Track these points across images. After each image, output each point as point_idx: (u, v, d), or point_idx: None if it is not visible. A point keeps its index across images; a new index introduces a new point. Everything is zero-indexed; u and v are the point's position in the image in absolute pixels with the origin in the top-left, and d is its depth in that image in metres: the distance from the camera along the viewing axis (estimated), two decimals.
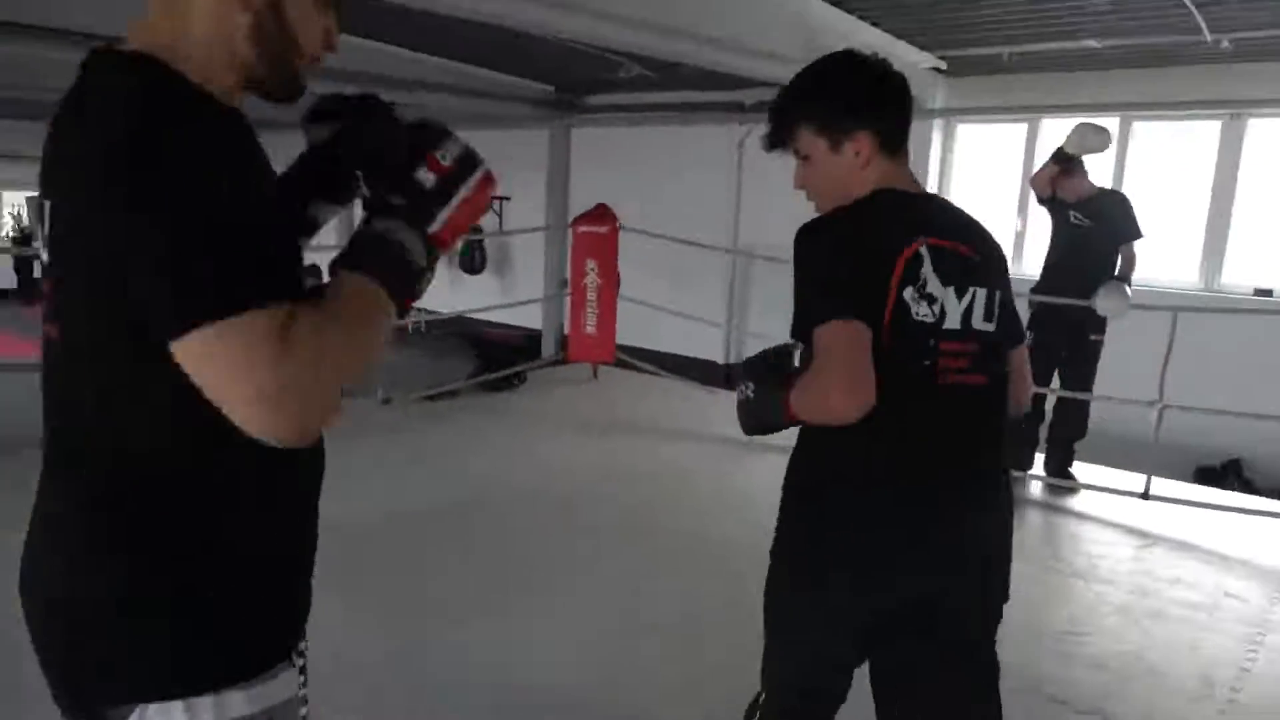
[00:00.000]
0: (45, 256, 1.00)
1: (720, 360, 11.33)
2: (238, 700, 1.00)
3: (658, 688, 2.73)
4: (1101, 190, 4.51)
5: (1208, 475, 7.32)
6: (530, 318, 13.12)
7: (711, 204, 10.78)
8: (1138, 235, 4.45)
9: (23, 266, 17.51)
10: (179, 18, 1.00)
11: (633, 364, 6.57)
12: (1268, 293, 7.77)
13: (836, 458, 1.53)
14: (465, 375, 6.41)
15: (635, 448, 5.08)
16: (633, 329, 7.08)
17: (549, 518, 4.03)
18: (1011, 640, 3.05)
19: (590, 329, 6.15)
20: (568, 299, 6.47)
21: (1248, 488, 7.31)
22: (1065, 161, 4.46)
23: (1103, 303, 4.25)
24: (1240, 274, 7.99)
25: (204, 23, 1.00)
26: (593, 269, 6.06)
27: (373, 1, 6.91)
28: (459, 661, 2.84)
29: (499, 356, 7.14)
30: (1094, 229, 4.45)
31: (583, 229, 6.11)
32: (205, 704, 0.98)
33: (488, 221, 13.57)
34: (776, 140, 1.65)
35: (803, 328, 1.47)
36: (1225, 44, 6.94)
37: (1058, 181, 4.47)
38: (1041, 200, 4.73)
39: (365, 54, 9.28)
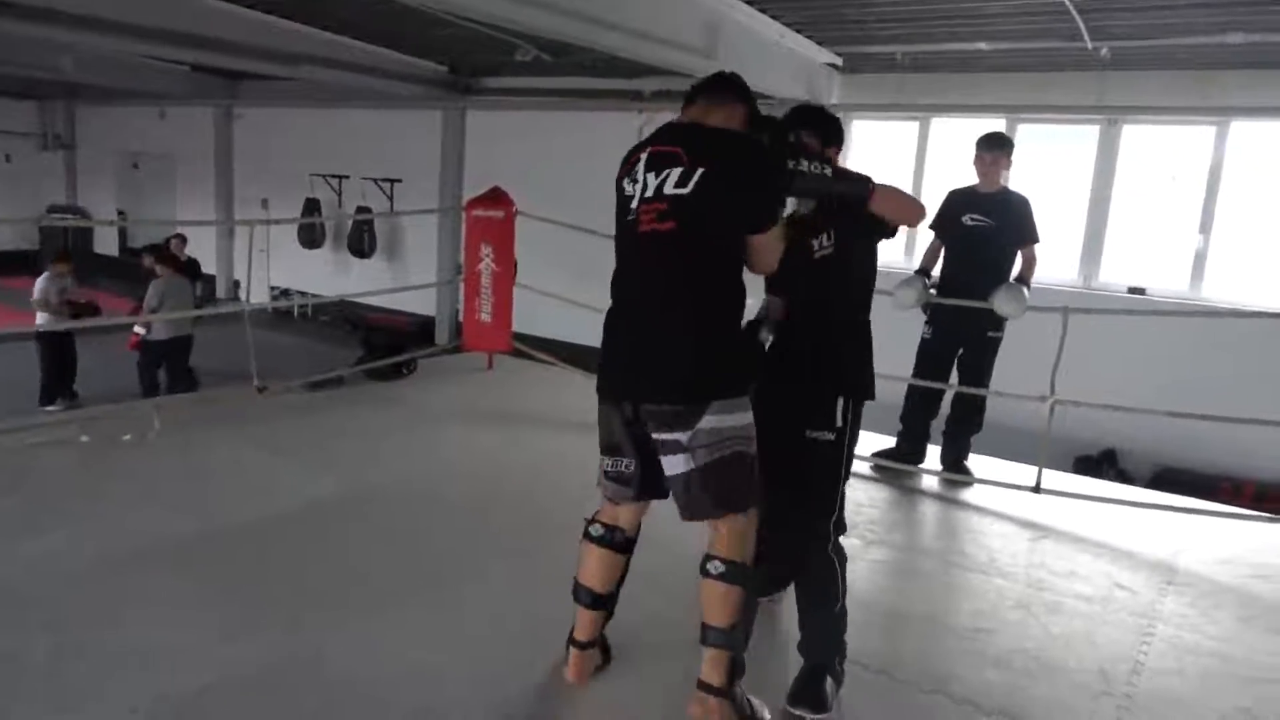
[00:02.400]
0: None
1: None
2: None
3: (554, 690, 2.57)
4: (1005, 189, 4.55)
5: (1086, 464, 7.65)
6: (424, 304, 12.71)
7: (610, 191, 10.61)
8: (1036, 239, 4.52)
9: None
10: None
11: (530, 353, 6.36)
12: (1140, 291, 8.17)
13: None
14: (350, 363, 6.06)
15: (528, 440, 4.89)
16: (531, 317, 6.86)
17: (434, 514, 3.82)
18: (921, 639, 3.06)
19: (485, 317, 5.91)
20: (463, 285, 6.20)
21: (1122, 476, 7.68)
22: (993, 148, 4.49)
23: (1001, 305, 4.31)
24: (1115, 273, 8.38)
25: None
26: (488, 255, 5.81)
27: None
28: (337, 669, 2.62)
29: (388, 343, 6.79)
30: (993, 229, 4.50)
31: (477, 213, 5.85)
32: None
33: (378, 202, 13.07)
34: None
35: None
36: (1105, 52, 7.22)
37: (982, 166, 4.49)
38: (932, 227, 4.75)
39: (249, 25, 8.72)
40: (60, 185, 18.42)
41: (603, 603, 2.56)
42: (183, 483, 4.05)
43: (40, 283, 8.94)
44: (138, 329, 8.53)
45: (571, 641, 2.58)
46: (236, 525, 3.59)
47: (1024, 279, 4.48)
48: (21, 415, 5.40)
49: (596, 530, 2.54)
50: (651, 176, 2.31)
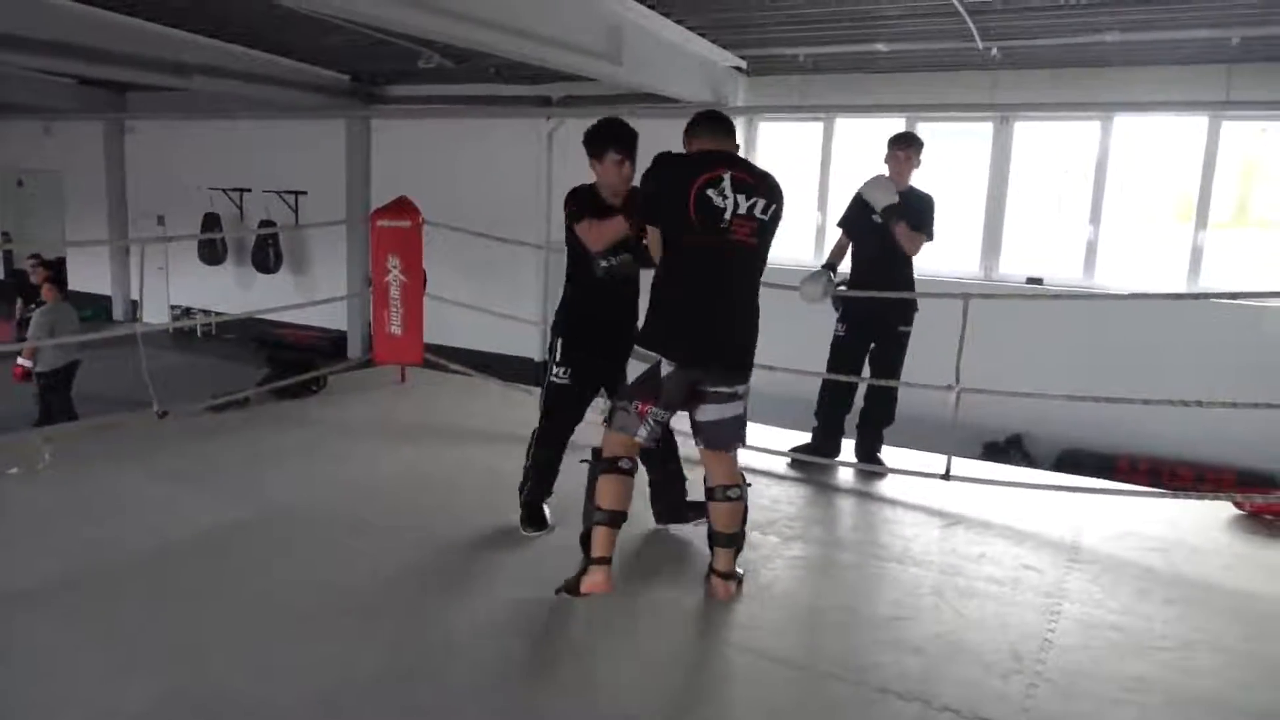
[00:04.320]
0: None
1: (537, 357, 11.14)
2: None
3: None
4: (911, 188, 4.65)
5: (994, 450, 7.91)
6: (336, 318, 12.40)
7: (521, 198, 10.55)
8: (930, 236, 4.63)
9: None
10: None
11: (443, 364, 6.25)
12: (1038, 281, 8.50)
13: None
14: (255, 382, 5.85)
15: (442, 454, 4.79)
16: (443, 328, 6.75)
17: (344, 534, 3.71)
18: (840, 631, 3.10)
19: (395, 329, 5.77)
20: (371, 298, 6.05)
21: (1029, 460, 7.97)
22: (905, 145, 4.60)
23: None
24: (1014, 265, 8.69)
25: None
26: (395, 266, 5.68)
27: None
28: (239, 705, 2.51)
29: (296, 360, 6.59)
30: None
31: (382, 223, 5.72)
32: None
33: (282, 215, 12.70)
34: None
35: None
36: (995, 52, 7.48)
37: (896, 163, 4.59)
38: (840, 224, 4.85)
39: (134, 34, 8.36)
40: None
41: (623, 520, 3.12)
42: (71, 517, 3.83)
43: None
44: (22, 360, 8.01)
45: (596, 561, 3.07)
46: (128, 559, 3.42)
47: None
48: None
49: (626, 464, 3.13)
50: (742, 198, 3.03)
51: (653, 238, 3.16)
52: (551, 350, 3.60)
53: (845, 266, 4.82)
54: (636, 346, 3.11)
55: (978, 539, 3.91)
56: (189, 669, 2.69)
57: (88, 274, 14.86)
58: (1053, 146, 8.68)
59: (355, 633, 2.94)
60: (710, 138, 3.19)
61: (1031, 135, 8.63)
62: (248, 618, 3.01)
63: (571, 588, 3.11)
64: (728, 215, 3.01)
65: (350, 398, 5.99)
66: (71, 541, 3.56)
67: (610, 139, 3.42)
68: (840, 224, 4.83)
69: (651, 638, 3.01)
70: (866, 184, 4.58)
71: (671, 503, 3.76)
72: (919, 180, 4.74)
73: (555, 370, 3.56)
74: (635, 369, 3.09)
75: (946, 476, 4.43)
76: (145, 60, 8.91)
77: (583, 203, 3.43)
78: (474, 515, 3.88)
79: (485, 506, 3.94)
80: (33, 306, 8.97)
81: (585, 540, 3.19)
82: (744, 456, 4.87)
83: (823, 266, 4.69)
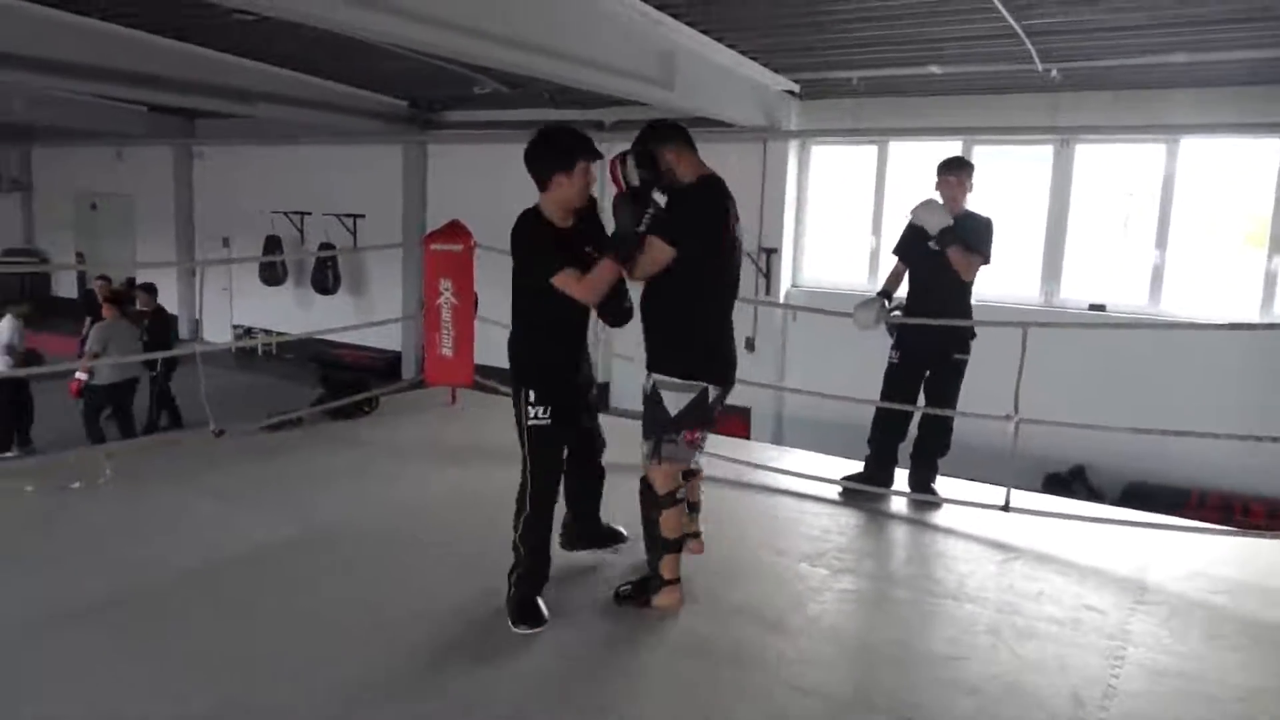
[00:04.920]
0: None
1: None
2: None
3: None
4: (968, 212, 4.55)
5: (1056, 482, 7.67)
6: (390, 339, 12.59)
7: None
8: (985, 258, 4.51)
9: None
10: None
11: (493, 387, 6.27)
12: (1101, 308, 8.25)
13: None
14: (310, 402, 5.94)
15: (491, 475, 4.74)
16: (495, 350, 6.77)
17: (392, 553, 3.71)
18: (892, 669, 3.00)
19: (447, 351, 5.82)
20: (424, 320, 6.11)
21: (1092, 493, 7.70)
22: (955, 170, 4.51)
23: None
24: (1076, 291, 8.46)
25: None
26: (447, 289, 5.73)
27: (224, 11, 6.48)
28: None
29: (349, 381, 6.67)
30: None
31: (435, 247, 5.78)
32: None
33: (341, 238, 12.96)
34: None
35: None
36: (1055, 74, 7.33)
37: (946, 189, 4.50)
38: (895, 251, 4.77)
39: (203, 63, 8.64)
40: (16, 228, 18.09)
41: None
42: (125, 533, 3.91)
43: (10, 331, 8.75)
44: (79, 374, 8.29)
45: (673, 582, 3.26)
46: (178, 576, 3.47)
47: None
48: None
49: (681, 494, 3.22)
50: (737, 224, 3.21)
51: (658, 258, 3.03)
52: (520, 394, 3.16)
53: (901, 292, 4.74)
54: (672, 378, 3.08)
55: (1037, 575, 3.76)
56: (233, 685, 2.70)
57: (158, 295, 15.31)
58: (1116, 169, 8.45)
59: (402, 652, 2.93)
60: (693, 153, 3.20)
61: (1094, 158, 8.42)
62: (295, 635, 3.03)
63: (638, 598, 3.25)
64: (739, 253, 3.23)
65: (401, 419, 6.05)
66: (124, 557, 3.62)
67: (580, 147, 3.12)
68: (895, 251, 4.75)
69: (698, 669, 2.94)
70: (917, 208, 4.49)
71: (587, 529, 3.60)
72: (975, 204, 4.64)
73: (532, 412, 3.12)
74: (674, 400, 3.08)
75: (1005, 509, 4.29)
76: (212, 88, 9.21)
77: (545, 245, 3.08)
78: None
79: None
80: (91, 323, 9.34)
81: (654, 563, 3.25)
82: (796, 484, 4.83)
83: (878, 293, 4.61)
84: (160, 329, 9.53)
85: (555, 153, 3.11)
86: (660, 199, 3.04)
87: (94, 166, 16.33)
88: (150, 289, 9.75)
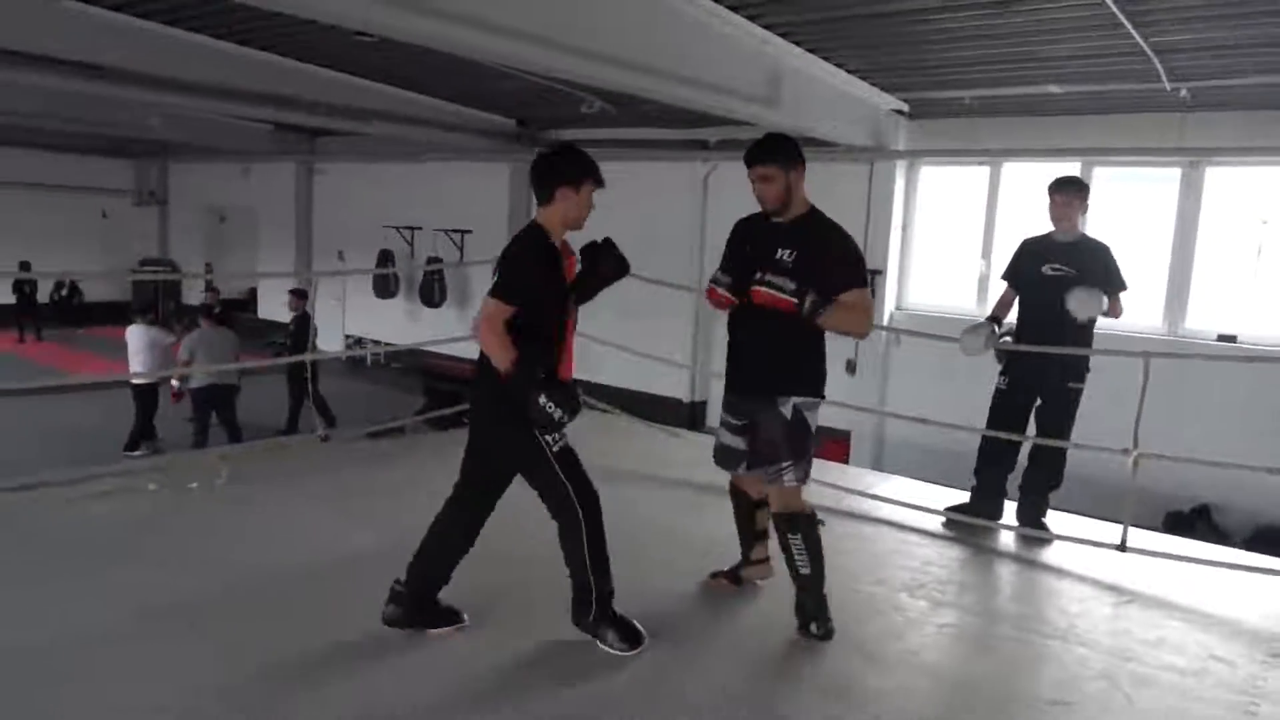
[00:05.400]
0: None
1: (685, 399, 11.14)
2: None
3: None
4: (1083, 236, 4.36)
5: (1178, 521, 7.23)
6: None
7: (675, 241, 10.65)
8: (1122, 286, 4.31)
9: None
10: None
11: (590, 402, 6.31)
12: (1231, 339, 7.76)
13: None
14: (413, 412, 6.11)
15: None
16: (592, 365, 6.84)
17: (482, 569, 3.74)
18: (993, 711, 2.87)
19: None
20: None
21: (1218, 534, 7.23)
22: (1063, 190, 4.34)
23: (1072, 302, 4.17)
24: (1203, 320, 7.98)
25: None
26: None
27: (346, 34, 6.80)
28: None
29: (451, 392, 6.85)
30: (1075, 278, 4.28)
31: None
32: None
33: (449, 253, 13.34)
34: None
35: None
36: (1184, 93, 6.97)
37: (1056, 210, 4.33)
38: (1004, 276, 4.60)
39: (326, 84, 9.07)
40: (153, 239, 19.32)
41: None
42: (237, 534, 4.07)
43: (152, 334, 9.36)
44: (173, 382, 8.87)
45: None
46: (283, 578, 3.58)
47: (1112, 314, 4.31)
48: (100, 463, 5.54)
49: None
50: None
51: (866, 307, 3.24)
52: (540, 416, 2.95)
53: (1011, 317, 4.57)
54: (810, 399, 3.19)
55: (1156, 621, 3.55)
56: (334, 688, 2.76)
57: (275, 303, 16.10)
58: (1249, 194, 7.96)
59: (501, 662, 2.96)
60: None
61: (1224, 181, 7.96)
62: (377, 642, 3.06)
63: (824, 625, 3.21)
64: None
65: None
66: (232, 557, 3.77)
67: (590, 167, 3.07)
68: (1005, 276, 4.58)
69: (790, 696, 2.88)
70: (1073, 302, 4.19)
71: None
72: (1093, 228, 4.44)
73: (551, 439, 3.06)
74: (814, 420, 3.21)
75: (1122, 548, 4.06)
76: (334, 107, 9.66)
77: (528, 264, 3.04)
78: (621, 556, 3.85)
79: (629, 542, 3.90)
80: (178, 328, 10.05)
81: (819, 587, 3.22)
82: (897, 512, 4.69)
83: (986, 318, 4.45)
84: (304, 330, 10.06)
85: (566, 167, 3.07)
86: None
87: (223, 182, 17.33)
88: (302, 294, 10.25)
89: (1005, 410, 4.47)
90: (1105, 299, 4.25)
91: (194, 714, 2.59)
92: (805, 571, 3.18)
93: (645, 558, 3.75)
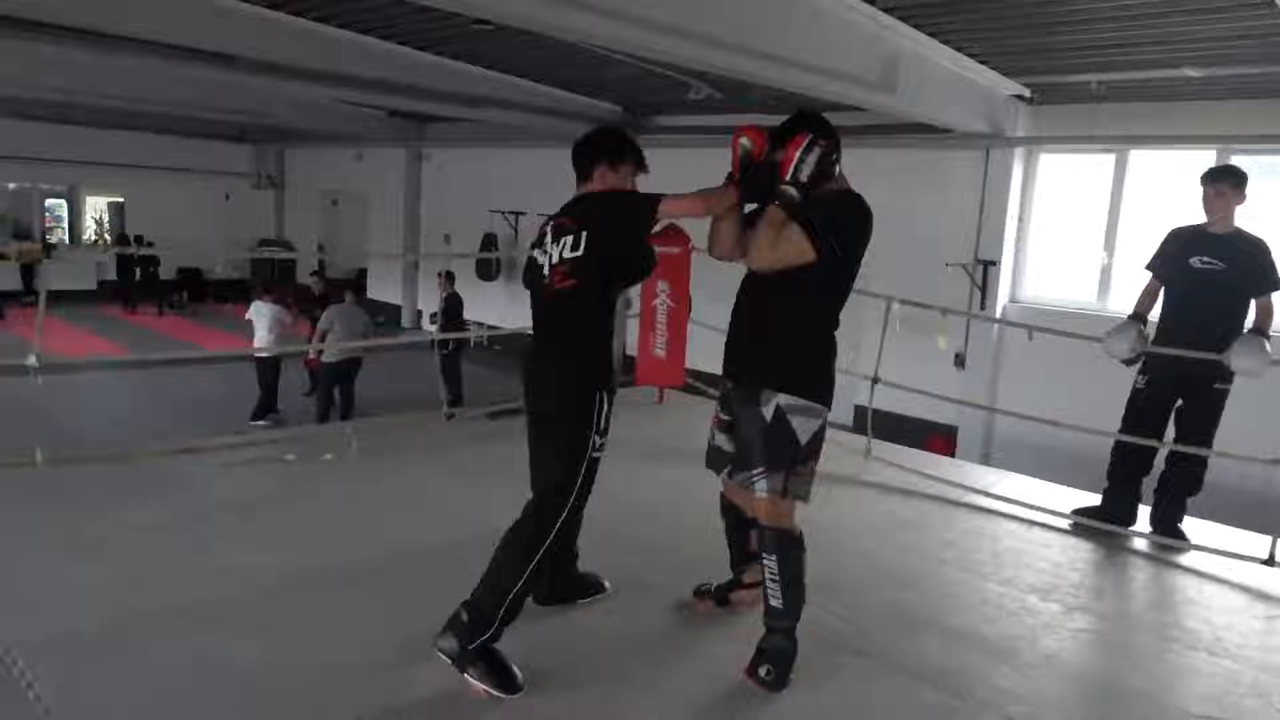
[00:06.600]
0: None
1: None
2: None
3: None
4: (1238, 231, 4.13)
5: None
6: None
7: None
8: (1275, 286, 4.03)
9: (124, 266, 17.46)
10: None
11: (704, 390, 6.33)
12: None
13: None
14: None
15: (693, 478, 4.79)
16: (704, 354, 6.84)
17: (598, 548, 3.80)
18: (1137, 718, 2.77)
19: (659, 352, 5.93)
20: (633, 320, 6.26)
21: None
22: (1218, 180, 4.11)
23: (1238, 360, 3.86)
24: None
25: None
26: (664, 291, 5.84)
27: (464, 22, 6.96)
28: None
29: None
30: (1225, 273, 4.07)
31: (654, 249, 5.89)
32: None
33: None
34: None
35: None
36: None
37: (1209, 202, 4.12)
38: (1148, 267, 4.37)
39: (440, 71, 9.28)
40: (270, 221, 20.21)
41: None
42: (375, 503, 4.26)
43: (275, 310, 9.85)
44: (312, 352, 9.33)
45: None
46: (426, 549, 3.72)
47: (1261, 330, 3.99)
48: (236, 433, 5.85)
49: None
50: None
51: (790, 253, 2.64)
52: (590, 414, 2.75)
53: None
54: (803, 400, 2.71)
55: None
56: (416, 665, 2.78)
57: (383, 285, 16.65)
58: None
59: (632, 634, 3.01)
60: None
61: None
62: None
63: (781, 677, 2.75)
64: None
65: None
66: (372, 525, 3.95)
67: (637, 155, 3.00)
68: (1149, 267, 4.36)
69: (933, 709, 2.82)
70: (1236, 355, 3.91)
71: (564, 578, 3.19)
72: (1244, 221, 4.19)
73: (597, 442, 2.78)
74: (803, 426, 2.71)
75: (1270, 562, 3.86)
76: (447, 94, 9.88)
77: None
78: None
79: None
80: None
81: (793, 620, 2.77)
82: (1017, 512, 4.56)
83: (1130, 316, 4.23)
84: (455, 309, 10.37)
85: (610, 146, 2.97)
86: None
87: (336, 167, 17.95)
88: (450, 276, 10.59)
89: (1144, 410, 4.28)
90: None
91: (352, 668, 2.72)
92: (775, 603, 2.73)
93: None
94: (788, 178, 2.67)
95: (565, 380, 2.80)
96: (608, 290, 2.88)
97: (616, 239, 2.80)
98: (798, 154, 2.67)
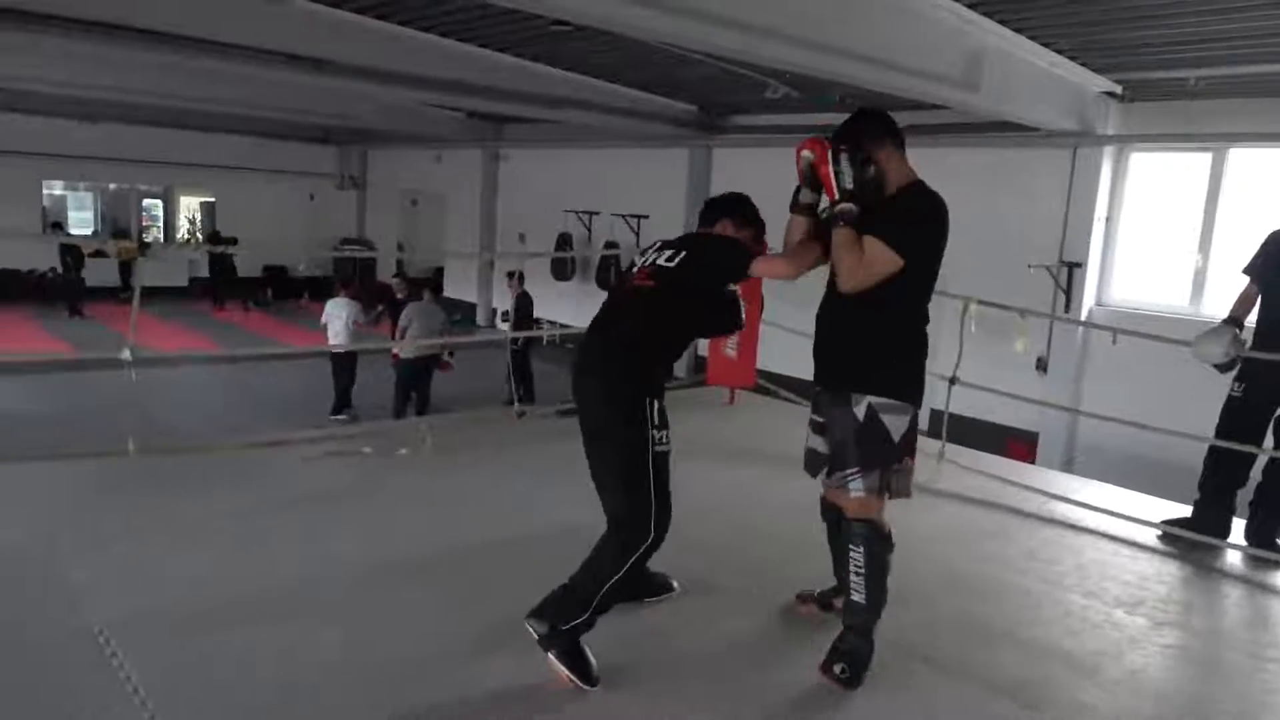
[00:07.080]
0: None
1: None
2: None
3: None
4: None
5: None
6: None
7: None
8: None
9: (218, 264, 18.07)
10: None
11: (774, 391, 6.29)
12: None
13: None
14: None
15: (763, 478, 4.78)
16: (774, 355, 6.79)
17: (682, 546, 3.79)
18: None
19: (731, 352, 5.92)
20: None
21: None
22: None
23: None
24: None
25: None
26: (735, 290, 5.81)
27: (544, 24, 7.06)
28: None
29: None
30: None
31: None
32: None
33: (625, 237, 13.58)
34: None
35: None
36: None
37: None
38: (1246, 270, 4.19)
39: (519, 73, 9.42)
40: (352, 220, 20.79)
41: None
42: (447, 497, 4.34)
43: (352, 310, 10.14)
44: (446, 356, 9.69)
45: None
46: (496, 544, 3.77)
47: None
48: (316, 427, 6.03)
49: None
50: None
51: (880, 269, 2.69)
52: (642, 414, 2.76)
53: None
54: (893, 400, 2.76)
55: None
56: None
57: (459, 284, 16.95)
58: None
59: (699, 635, 3.00)
60: (903, 154, 2.85)
61: None
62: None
63: (857, 675, 2.78)
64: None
65: (681, 415, 6.14)
66: (448, 519, 4.04)
67: (763, 227, 3.13)
68: (1247, 270, 4.17)
69: (1007, 710, 2.76)
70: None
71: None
72: None
73: (657, 436, 2.77)
74: (895, 425, 2.76)
75: None
76: (527, 95, 10.03)
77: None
78: (785, 547, 3.83)
79: (795, 542, 3.87)
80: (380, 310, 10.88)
81: (871, 621, 2.80)
82: (1103, 521, 4.41)
83: (1225, 321, 4.06)
84: (526, 309, 10.57)
85: (743, 209, 3.10)
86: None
87: (416, 168, 18.38)
88: (520, 276, 10.77)
89: (1238, 417, 4.09)
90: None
91: (426, 659, 2.78)
92: (857, 598, 2.77)
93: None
94: (836, 197, 2.73)
95: (611, 384, 2.82)
96: (680, 311, 2.87)
97: (710, 267, 2.87)
98: (830, 170, 2.73)
